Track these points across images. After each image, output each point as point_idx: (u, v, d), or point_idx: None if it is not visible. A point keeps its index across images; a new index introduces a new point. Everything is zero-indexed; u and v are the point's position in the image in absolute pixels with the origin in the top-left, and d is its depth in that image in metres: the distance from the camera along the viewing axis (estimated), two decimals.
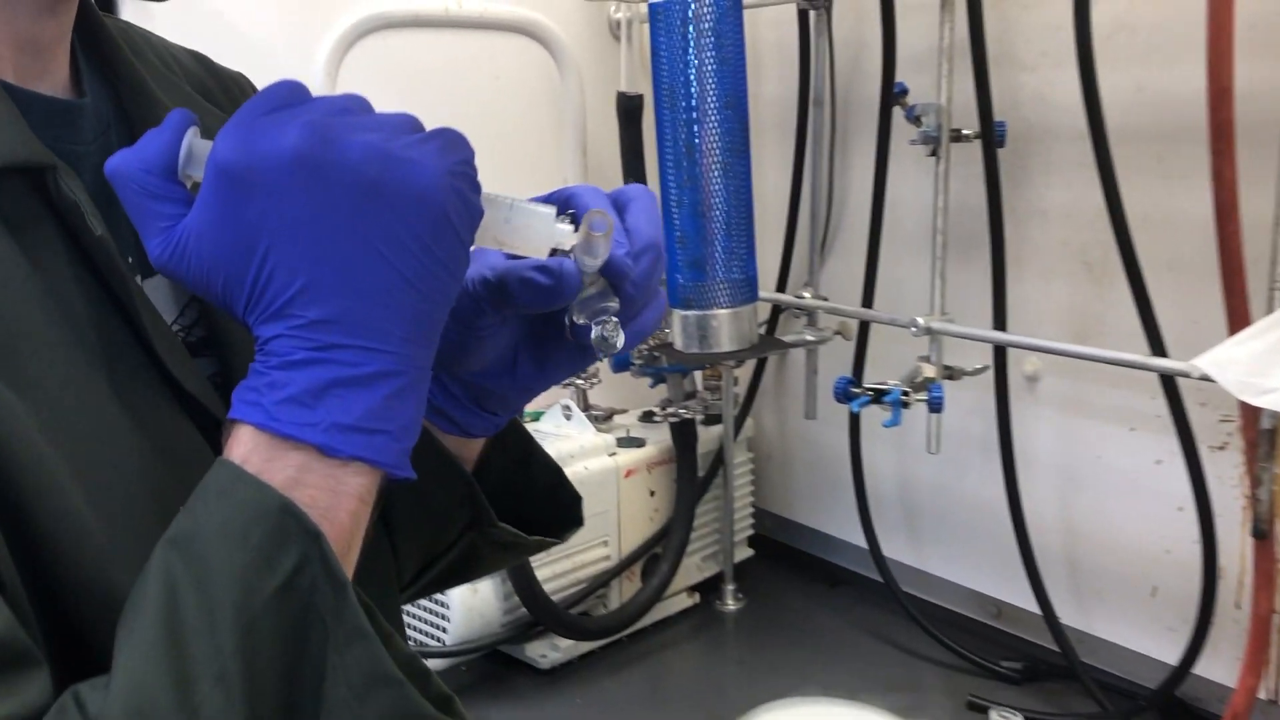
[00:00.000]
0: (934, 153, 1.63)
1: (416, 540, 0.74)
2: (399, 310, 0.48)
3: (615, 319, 0.57)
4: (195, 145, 0.51)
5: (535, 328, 0.64)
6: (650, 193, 0.62)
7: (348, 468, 0.48)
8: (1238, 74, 1.38)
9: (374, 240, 0.47)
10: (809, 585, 2.16)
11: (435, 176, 0.48)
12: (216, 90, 0.75)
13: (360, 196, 0.47)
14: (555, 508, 0.78)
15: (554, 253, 0.55)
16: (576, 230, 0.54)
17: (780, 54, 1.98)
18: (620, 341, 0.57)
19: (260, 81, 0.57)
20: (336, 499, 0.48)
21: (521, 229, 0.54)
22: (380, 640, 0.47)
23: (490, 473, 0.73)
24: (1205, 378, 1.25)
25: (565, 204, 0.59)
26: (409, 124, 0.50)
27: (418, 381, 0.50)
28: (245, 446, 0.48)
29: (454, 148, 0.49)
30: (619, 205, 0.60)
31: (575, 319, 0.57)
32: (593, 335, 0.57)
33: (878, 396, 1.53)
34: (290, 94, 0.50)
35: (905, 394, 1.53)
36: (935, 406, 1.55)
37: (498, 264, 0.59)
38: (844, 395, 1.59)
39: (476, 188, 0.50)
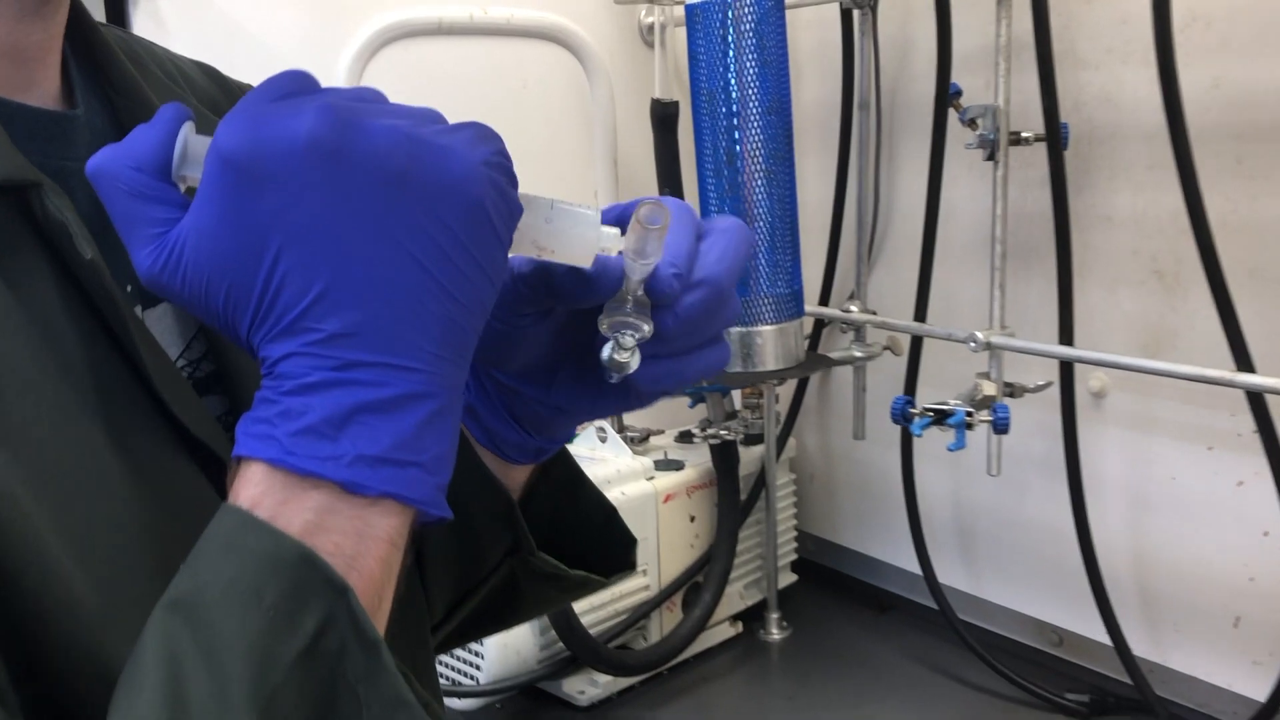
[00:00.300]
0: (991, 157, 1.54)
1: (449, 568, 0.66)
2: (430, 321, 0.42)
3: (635, 340, 0.49)
4: (192, 142, 0.45)
5: (577, 341, 0.56)
6: (745, 229, 0.54)
7: (376, 507, 0.42)
8: None
9: (402, 239, 0.41)
10: (856, 611, 2.07)
11: (470, 166, 0.42)
12: (226, 105, 0.68)
13: (386, 188, 0.41)
14: (606, 547, 0.71)
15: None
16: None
17: (820, 56, 1.89)
18: (634, 365, 0.49)
19: None
20: (364, 544, 0.41)
21: (563, 232, 0.48)
22: (422, 709, 0.41)
23: (535, 503, 0.66)
24: None
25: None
26: (433, 115, 0.44)
27: (452, 404, 0.43)
28: (256, 488, 0.41)
29: (487, 138, 0.43)
30: (700, 232, 0.52)
31: (600, 326, 0.49)
32: (604, 350, 0.49)
33: (940, 418, 1.43)
34: (298, 82, 0.44)
35: (969, 414, 1.43)
36: (1001, 428, 1.45)
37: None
38: (902, 417, 1.50)
39: (514, 180, 0.44)
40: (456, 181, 0.41)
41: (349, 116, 0.41)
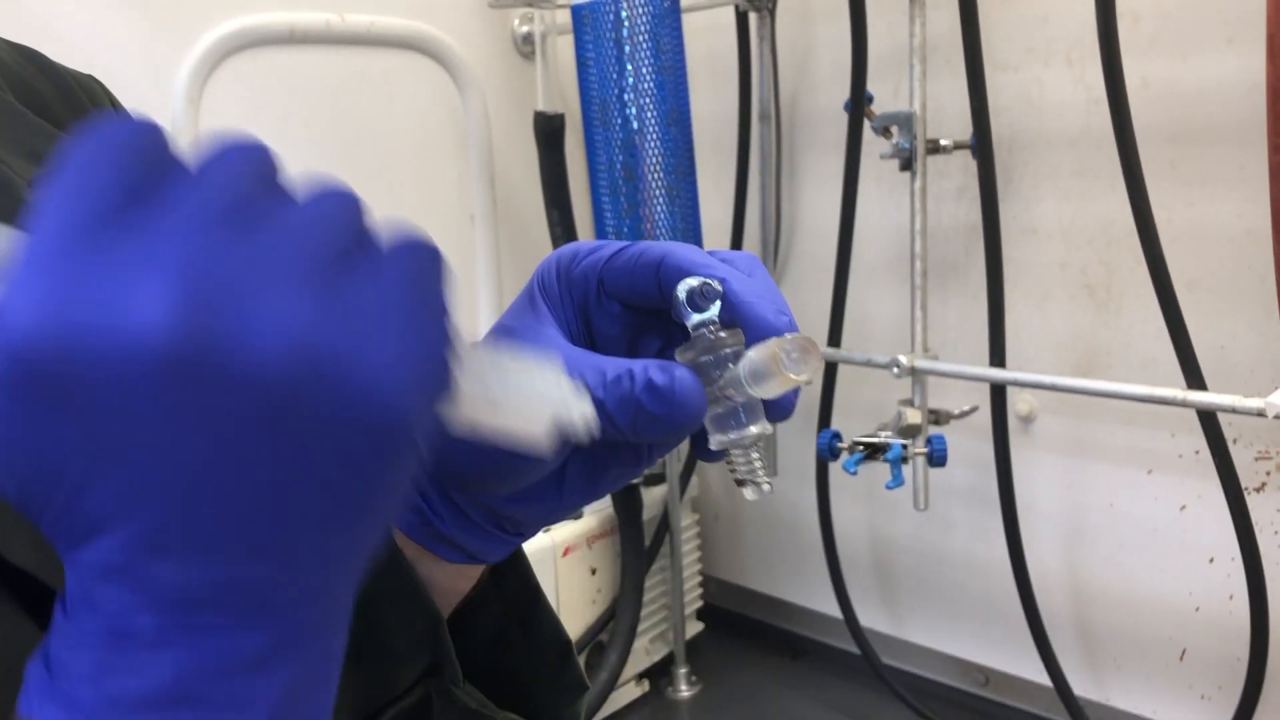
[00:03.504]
0: (907, 167, 1.42)
1: (349, 684, 0.50)
2: (310, 565, 0.30)
3: (761, 460, 0.40)
4: None
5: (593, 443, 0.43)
6: (759, 261, 0.44)
7: None
8: (1249, 64, 1.21)
9: (282, 479, 0.29)
10: (768, 659, 1.94)
11: (396, 397, 0.29)
12: (53, 97, 0.53)
13: (266, 422, 0.28)
14: (553, 691, 0.57)
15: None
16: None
17: (712, 65, 1.76)
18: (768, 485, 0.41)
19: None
20: None
21: (511, 403, 0.36)
22: None
23: (478, 618, 0.54)
24: None
25: (658, 268, 0.42)
26: (342, 236, 0.30)
27: (329, 653, 0.32)
28: None
29: (425, 301, 0.31)
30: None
31: (717, 432, 0.40)
32: (739, 473, 0.40)
33: (873, 452, 1.30)
34: (140, 169, 0.28)
35: (905, 447, 1.30)
36: (938, 460, 1.33)
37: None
38: (830, 453, 1.36)
39: (450, 395, 0.32)
40: (376, 423, 0.29)
41: (217, 308, 0.27)
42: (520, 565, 0.54)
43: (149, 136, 0.29)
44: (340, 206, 0.31)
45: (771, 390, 0.38)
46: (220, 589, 0.29)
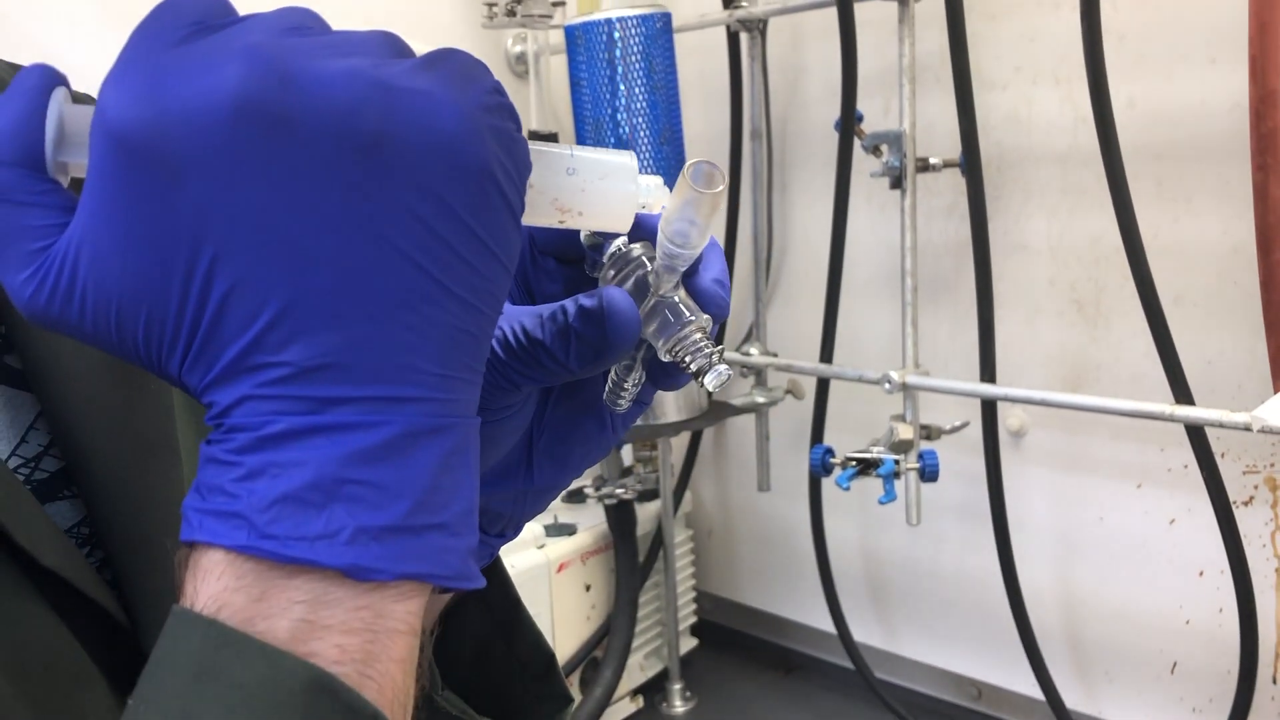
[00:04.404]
0: (897, 185, 1.44)
1: None
2: (430, 333, 0.31)
3: (711, 345, 0.39)
4: (69, 115, 0.33)
5: (555, 409, 0.45)
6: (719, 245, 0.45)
7: (387, 590, 0.31)
8: (1232, 84, 1.23)
9: (382, 228, 0.30)
10: (761, 674, 1.95)
11: (464, 115, 0.31)
12: None
13: (355, 161, 0.30)
14: (538, 701, 0.57)
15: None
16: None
17: (704, 84, 1.78)
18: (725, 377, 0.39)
19: None
20: (378, 642, 0.31)
21: (590, 188, 0.37)
22: None
23: (460, 627, 0.54)
24: (1268, 430, 1.07)
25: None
26: (392, 41, 0.33)
27: (469, 438, 0.33)
28: (219, 581, 0.30)
29: (473, 73, 0.32)
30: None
31: (661, 353, 0.39)
32: (694, 365, 0.38)
33: (866, 468, 1.31)
34: (200, 6, 0.32)
35: (898, 463, 1.31)
36: (930, 475, 1.34)
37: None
38: (823, 468, 1.37)
39: (519, 124, 0.34)
40: (448, 140, 0.30)
41: (290, 62, 0.29)
42: (500, 574, 0.55)
43: None
44: (379, 36, 0.33)
45: (695, 233, 0.38)
46: (342, 374, 0.30)
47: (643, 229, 0.40)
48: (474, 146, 0.31)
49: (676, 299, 0.39)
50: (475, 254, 0.32)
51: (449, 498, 0.32)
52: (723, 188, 0.36)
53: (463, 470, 0.33)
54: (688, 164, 0.36)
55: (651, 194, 0.39)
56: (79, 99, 0.34)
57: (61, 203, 0.32)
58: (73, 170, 0.34)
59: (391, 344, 0.31)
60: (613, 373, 0.42)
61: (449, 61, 0.32)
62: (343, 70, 0.30)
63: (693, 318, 0.39)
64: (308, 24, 0.32)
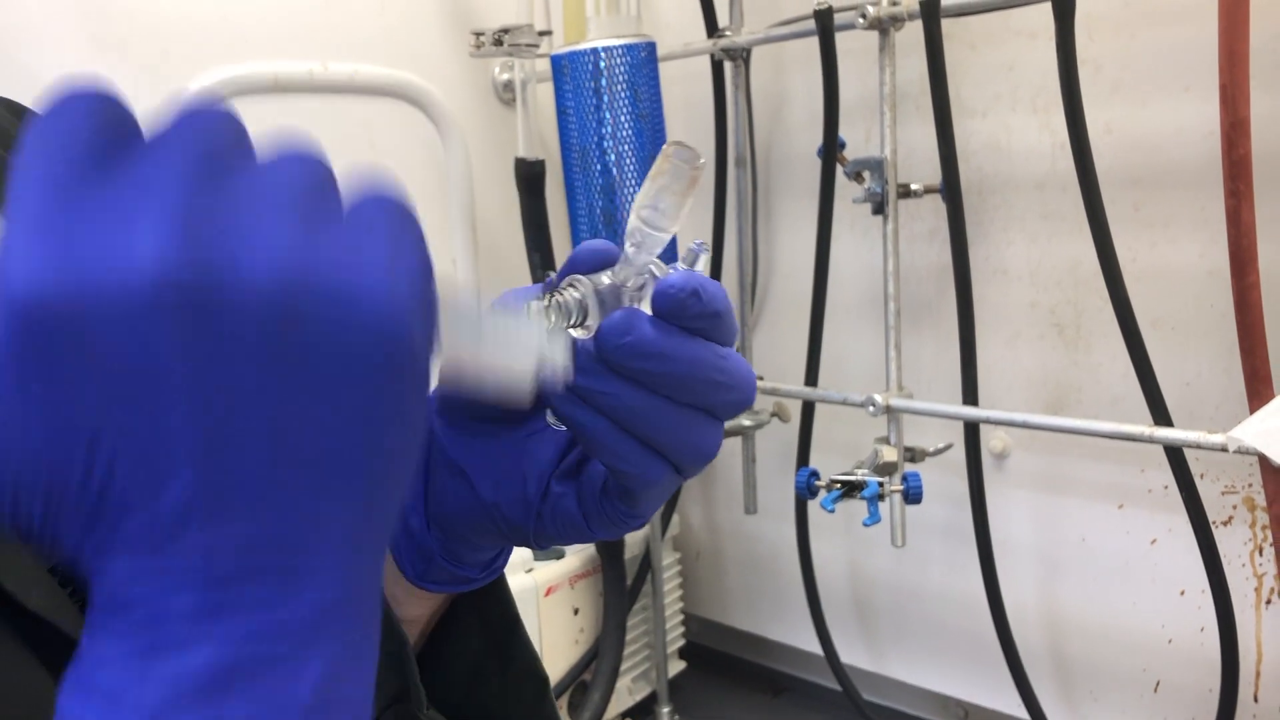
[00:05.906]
0: (879, 211, 1.46)
1: None
2: (337, 512, 0.31)
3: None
4: None
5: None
6: None
7: None
8: (1205, 111, 1.25)
9: (294, 408, 0.29)
10: (750, 695, 1.95)
11: (389, 297, 0.30)
12: None
13: (272, 344, 0.29)
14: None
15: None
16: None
17: (688, 112, 1.80)
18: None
19: None
20: None
21: (498, 347, 0.38)
22: None
23: (454, 643, 0.55)
24: (1243, 450, 1.09)
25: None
26: (315, 181, 0.31)
27: (370, 613, 0.33)
28: None
29: (402, 239, 0.32)
30: None
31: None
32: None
33: (851, 490, 1.32)
34: (111, 129, 0.29)
35: (881, 485, 1.33)
36: (914, 497, 1.35)
37: None
38: (808, 491, 1.39)
39: (435, 302, 0.33)
40: (373, 325, 0.30)
41: (208, 238, 0.28)
42: (501, 591, 0.55)
43: (112, 101, 0.30)
44: (308, 155, 0.32)
45: (673, 211, 0.39)
46: (249, 552, 0.29)
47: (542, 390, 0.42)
48: (396, 328, 0.30)
49: (652, 270, 0.41)
50: (391, 436, 0.31)
51: (350, 693, 0.32)
52: (703, 161, 0.38)
53: (369, 643, 0.33)
54: (668, 143, 0.38)
55: (558, 352, 0.39)
56: None
57: None
58: None
59: (297, 524, 0.30)
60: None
61: (377, 226, 0.31)
62: (263, 248, 0.29)
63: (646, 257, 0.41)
64: (221, 148, 0.30)
